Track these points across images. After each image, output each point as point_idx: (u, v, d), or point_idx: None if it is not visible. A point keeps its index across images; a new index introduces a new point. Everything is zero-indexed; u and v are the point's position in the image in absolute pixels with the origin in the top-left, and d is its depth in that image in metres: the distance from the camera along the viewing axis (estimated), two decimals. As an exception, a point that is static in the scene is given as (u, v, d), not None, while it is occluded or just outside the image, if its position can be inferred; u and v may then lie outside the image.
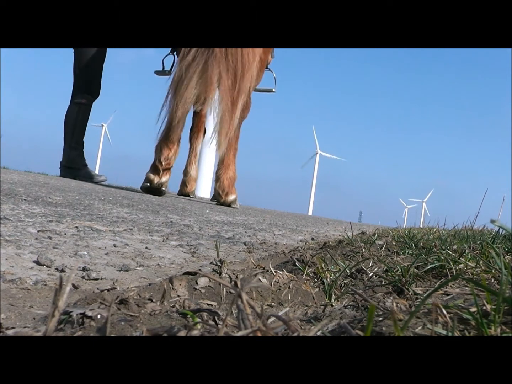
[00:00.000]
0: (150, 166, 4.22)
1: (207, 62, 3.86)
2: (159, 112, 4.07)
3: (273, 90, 5.75)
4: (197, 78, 3.85)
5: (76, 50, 5.12)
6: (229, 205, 4.60)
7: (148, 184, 4.20)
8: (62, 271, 0.98)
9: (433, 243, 1.59)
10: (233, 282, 0.82)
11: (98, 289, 0.88)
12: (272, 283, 0.89)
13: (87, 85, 5.10)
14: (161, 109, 4.05)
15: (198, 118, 5.22)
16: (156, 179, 4.13)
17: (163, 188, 4.22)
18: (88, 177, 5.14)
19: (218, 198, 4.66)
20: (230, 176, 4.63)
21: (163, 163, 4.07)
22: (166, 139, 4.06)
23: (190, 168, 5.23)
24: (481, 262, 1.02)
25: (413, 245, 1.74)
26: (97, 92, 5.22)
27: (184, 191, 5.36)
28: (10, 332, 0.54)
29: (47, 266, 0.99)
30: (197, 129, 5.23)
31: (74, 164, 5.09)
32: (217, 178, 4.66)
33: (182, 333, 0.48)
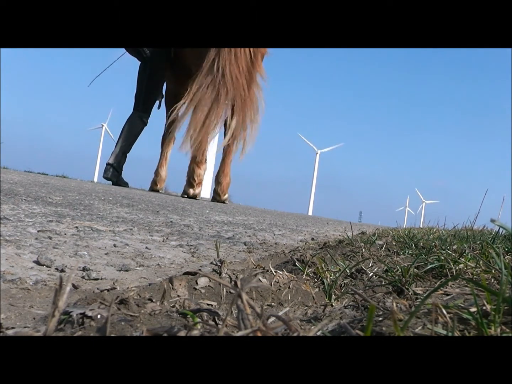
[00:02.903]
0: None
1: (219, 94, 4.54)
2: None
3: None
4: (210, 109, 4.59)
5: (140, 64, 5.81)
6: (223, 201, 5.54)
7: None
8: (62, 271, 0.98)
9: (433, 243, 1.59)
10: (233, 282, 0.82)
11: (98, 289, 0.88)
12: (272, 283, 0.89)
13: (145, 104, 5.84)
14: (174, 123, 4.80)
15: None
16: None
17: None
18: (125, 185, 5.96)
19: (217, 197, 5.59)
20: (227, 181, 5.59)
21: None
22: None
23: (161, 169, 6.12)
24: (481, 262, 1.01)
25: (413, 245, 1.74)
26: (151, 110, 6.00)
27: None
28: (10, 332, 0.54)
29: (47, 266, 0.99)
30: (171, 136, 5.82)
31: (120, 170, 5.91)
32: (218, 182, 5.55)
33: (182, 333, 0.48)
